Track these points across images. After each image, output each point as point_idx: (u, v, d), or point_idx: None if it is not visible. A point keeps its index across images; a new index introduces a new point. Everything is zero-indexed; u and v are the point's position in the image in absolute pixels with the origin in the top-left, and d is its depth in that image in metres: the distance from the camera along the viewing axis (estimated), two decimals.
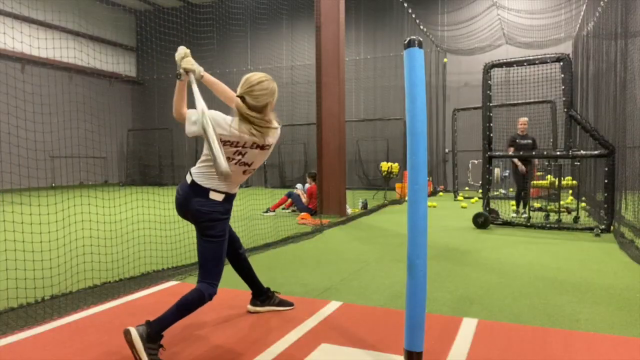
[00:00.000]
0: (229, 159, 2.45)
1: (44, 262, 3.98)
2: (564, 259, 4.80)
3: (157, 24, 13.28)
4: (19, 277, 3.67)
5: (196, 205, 2.50)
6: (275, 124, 2.59)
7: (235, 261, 3.06)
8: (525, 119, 8.37)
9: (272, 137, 2.57)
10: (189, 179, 2.56)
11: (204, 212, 2.50)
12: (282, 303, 3.23)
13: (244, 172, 2.59)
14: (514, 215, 8.02)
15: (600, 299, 3.40)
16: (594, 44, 9.99)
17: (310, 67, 11.65)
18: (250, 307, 3.18)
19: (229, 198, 2.58)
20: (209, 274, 2.53)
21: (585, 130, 6.55)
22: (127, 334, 2.31)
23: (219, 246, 2.55)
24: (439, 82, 15.55)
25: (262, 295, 3.17)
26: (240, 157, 2.51)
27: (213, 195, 2.51)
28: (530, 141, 8.12)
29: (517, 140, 8.10)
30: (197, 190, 2.51)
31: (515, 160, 8.15)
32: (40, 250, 4.16)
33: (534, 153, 7.80)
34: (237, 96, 2.53)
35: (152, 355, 2.31)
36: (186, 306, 2.46)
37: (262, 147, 2.54)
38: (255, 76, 2.59)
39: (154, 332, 2.35)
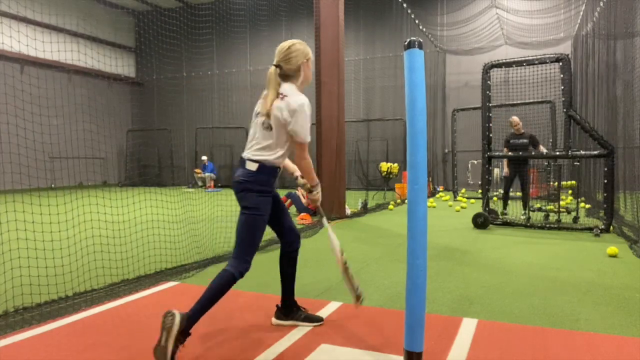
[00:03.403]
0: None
1: (47, 261, 3.97)
2: (564, 259, 4.80)
3: (157, 25, 13.29)
4: (19, 277, 3.67)
5: (235, 177, 2.60)
6: (291, 98, 2.56)
7: (282, 254, 2.89)
8: (516, 118, 8.10)
9: (277, 110, 2.55)
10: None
11: (237, 182, 2.57)
12: (309, 318, 2.93)
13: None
14: (505, 214, 7.90)
15: (600, 299, 3.40)
16: (593, 44, 10.00)
17: None
18: (274, 321, 2.95)
19: (265, 169, 2.56)
20: (240, 249, 2.54)
21: (584, 130, 6.55)
22: (169, 315, 2.28)
23: (252, 219, 2.54)
24: (438, 82, 15.55)
25: (289, 307, 2.93)
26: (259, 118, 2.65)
27: (249, 165, 2.56)
28: (526, 140, 7.84)
29: (511, 141, 7.95)
30: (241, 163, 2.62)
31: (504, 161, 8.09)
32: (44, 250, 4.15)
33: (533, 153, 7.76)
34: (274, 65, 2.68)
35: (176, 347, 2.27)
36: (217, 291, 2.46)
37: (267, 116, 2.59)
38: (287, 42, 2.74)
39: (189, 325, 2.35)
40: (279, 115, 2.53)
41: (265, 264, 4.64)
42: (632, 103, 6.15)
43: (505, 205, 8.15)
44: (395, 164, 11.97)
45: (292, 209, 9.01)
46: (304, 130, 2.55)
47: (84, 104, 15.07)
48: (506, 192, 8.24)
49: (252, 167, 2.55)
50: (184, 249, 4.91)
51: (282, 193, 10.16)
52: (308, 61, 2.72)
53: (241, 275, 2.50)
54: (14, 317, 3.05)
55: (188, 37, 13.35)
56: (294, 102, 2.54)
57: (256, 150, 2.59)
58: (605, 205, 6.35)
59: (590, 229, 6.42)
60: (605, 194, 6.32)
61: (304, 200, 8.74)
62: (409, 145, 2.24)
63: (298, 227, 7.03)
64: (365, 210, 9.22)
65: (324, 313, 3.12)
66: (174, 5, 17.34)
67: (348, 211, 8.53)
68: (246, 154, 2.61)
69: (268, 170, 2.58)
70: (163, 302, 3.36)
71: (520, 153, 7.43)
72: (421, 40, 2.19)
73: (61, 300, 3.41)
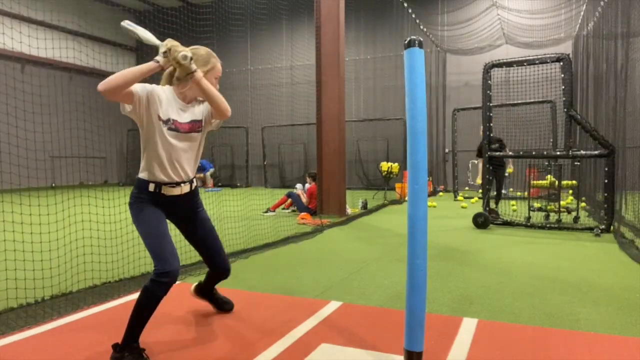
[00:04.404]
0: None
1: (43, 262, 3.98)
2: (564, 259, 4.80)
3: (157, 24, 13.27)
4: (18, 277, 3.67)
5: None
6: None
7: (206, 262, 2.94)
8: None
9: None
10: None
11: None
12: (223, 305, 3.15)
13: None
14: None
15: (600, 299, 3.40)
16: (594, 44, 9.99)
17: (310, 67, 11.64)
18: (192, 290, 3.15)
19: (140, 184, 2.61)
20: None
21: (585, 130, 6.54)
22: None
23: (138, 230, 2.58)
24: (439, 82, 15.55)
25: (207, 292, 3.13)
26: None
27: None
28: (496, 145, 8.11)
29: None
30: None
31: (480, 166, 8.60)
32: (40, 251, 4.16)
33: (533, 153, 7.81)
34: None
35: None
36: (140, 307, 2.43)
37: None
38: (197, 47, 2.65)
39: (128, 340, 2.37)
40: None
41: (266, 264, 4.64)
42: (633, 103, 6.14)
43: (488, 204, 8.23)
44: (396, 164, 11.96)
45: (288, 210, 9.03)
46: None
47: (84, 103, 15.05)
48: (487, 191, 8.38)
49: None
50: (184, 248, 4.90)
51: (282, 192, 10.20)
52: (206, 74, 2.53)
53: (164, 284, 2.43)
54: (13, 317, 3.05)
55: (188, 37, 13.34)
56: None
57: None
58: (605, 205, 6.35)
59: (590, 229, 6.41)
60: (605, 194, 6.32)
61: (304, 199, 8.75)
62: (409, 145, 2.23)
63: (298, 226, 7.06)
64: (365, 210, 9.21)
65: (324, 313, 3.12)
66: (175, 4, 17.35)
67: (348, 211, 8.52)
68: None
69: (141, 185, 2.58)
70: (163, 301, 3.35)
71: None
72: (421, 40, 2.18)
73: (60, 299, 3.41)
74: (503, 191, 11.92)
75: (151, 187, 2.52)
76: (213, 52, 2.65)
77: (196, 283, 3.17)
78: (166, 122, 2.48)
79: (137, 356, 2.33)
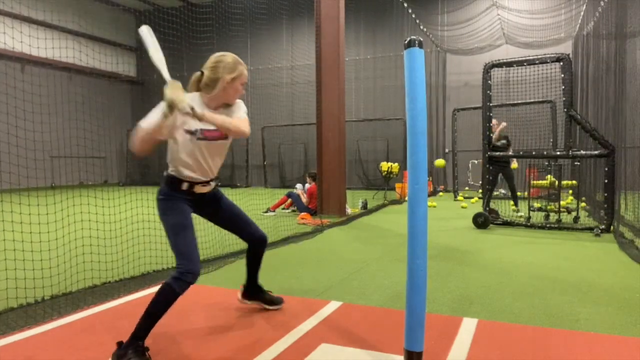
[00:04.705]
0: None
1: (43, 262, 3.98)
2: (564, 259, 4.79)
3: (157, 24, 13.26)
4: (18, 277, 3.68)
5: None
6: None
7: (249, 248, 3.05)
8: (495, 121, 8.34)
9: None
10: None
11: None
12: (273, 302, 3.19)
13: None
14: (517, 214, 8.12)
15: (600, 299, 3.40)
16: (594, 44, 9.99)
17: (310, 67, 11.65)
18: (239, 297, 3.20)
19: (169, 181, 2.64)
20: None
21: (585, 130, 6.54)
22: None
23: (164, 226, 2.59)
24: (439, 82, 15.55)
25: (254, 288, 3.16)
26: None
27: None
28: (505, 141, 8.45)
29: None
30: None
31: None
32: (40, 250, 4.16)
33: (532, 153, 7.83)
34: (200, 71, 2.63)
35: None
36: (158, 303, 2.43)
37: None
38: (221, 53, 2.66)
39: (137, 338, 2.36)
40: None
41: (266, 264, 4.63)
42: (633, 103, 6.14)
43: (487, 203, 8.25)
44: (396, 164, 11.97)
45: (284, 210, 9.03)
46: (152, 118, 2.48)
47: (84, 103, 15.07)
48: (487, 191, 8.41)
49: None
50: None
51: (282, 192, 10.19)
52: (233, 80, 2.58)
53: (184, 283, 2.43)
54: (13, 317, 3.05)
55: (188, 36, 13.35)
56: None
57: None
58: (605, 205, 6.34)
59: (590, 229, 6.41)
60: (605, 194, 6.32)
61: (304, 199, 8.75)
62: (409, 145, 2.23)
63: (298, 226, 7.06)
64: (365, 210, 9.21)
65: (324, 313, 3.12)
66: (175, 4, 17.35)
67: (348, 211, 8.52)
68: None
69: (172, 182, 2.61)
70: None
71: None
72: (421, 40, 2.18)
73: (60, 299, 3.41)
74: (503, 191, 11.96)
75: (184, 186, 2.58)
76: (240, 58, 2.66)
77: (240, 289, 3.19)
78: (194, 132, 2.53)
79: (140, 355, 2.32)
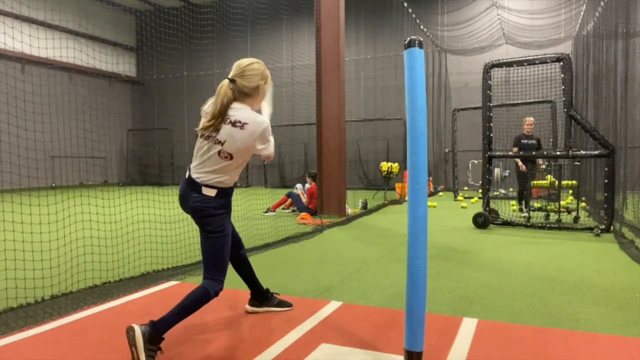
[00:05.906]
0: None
1: (43, 262, 3.98)
2: (564, 259, 4.80)
3: (157, 24, 13.29)
4: (18, 277, 3.68)
5: (191, 202, 2.53)
6: (253, 126, 2.46)
7: (236, 262, 3.03)
8: (532, 119, 8.48)
9: (241, 142, 2.46)
10: (187, 174, 2.60)
11: (198, 208, 2.52)
12: (281, 304, 3.19)
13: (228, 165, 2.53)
14: (521, 213, 8.05)
15: (600, 299, 3.40)
16: (594, 44, 9.99)
17: (310, 67, 11.66)
18: (248, 308, 3.16)
19: (223, 192, 2.56)
20: (213, 270, 2.53)
21: (585, 130, 6.55)
22: (130, 331, 2.29)
23: (219, 241, 2.54)
24: (439, 82, 15.55)
25: (261, 296, 3.14)
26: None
27: (206, 191, 2.51)
28: (534, 141, 8.32)
29: (523, 141, 8.27)
30: (193, 186, 2.54)
31: (518, 159, 8.29)
32: (40, 250, 4.16)
33: (533, 153, 7.84)
34: (228, 79, 2.57)
35: (150, 357, 2.29)
36: (191, 304, 2.45)
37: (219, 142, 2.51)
38: (246, 59, 2.65)
39: (156, 333, 2.33)
40: (241, 146, 2.47)
41: (266, 264, 4.64)
42: (633, 103, 6.14)
43: (526, 204, 8.02)
44: (396, 164, 11.97)
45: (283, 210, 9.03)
46: (273, 147, 2.62)
47: (84, 103, 15.09)
48: (522, 190, 8.40)
49: (211, 192, 2.52)
50: (184, 248, 4.91)
51: (282, 192, 10.20)
52: (266, 83, 2.69)
53: (216, 294, 2.51)
54: (13, 317, 3.05)
55: (189, 36, 13.36)
56: (259, 127, 2.47)
57: (210, 173, 2.52)
58: (605, 205, 6.35)
59: (590, 229, 6.41)
60: (605, 194, 6.32)
61: (303, 199, 8.75)
62: (409, 145, 2.23)
63: (298, 226, 7.06)
64: (365, 210, 9.22)
65: (324, 313, 3.12)
66: (175, 4, 17.34)
67: (348, 211, 8.53)
68: (200, 177, 2.53)
69: (226, 192, 2.58)
70: (163, 301, 3.36)
71: (521, 152, 7.54)
72: (421, 40, 2.18)
73: (60, 299, 3.42)
74: (502, 191, 11.97)
75: (229, 192, 2.63)
76: (239, 59, 2.68)
77: (248, 303, 3.16)
78: None
79: (154, 353, 2.34)
